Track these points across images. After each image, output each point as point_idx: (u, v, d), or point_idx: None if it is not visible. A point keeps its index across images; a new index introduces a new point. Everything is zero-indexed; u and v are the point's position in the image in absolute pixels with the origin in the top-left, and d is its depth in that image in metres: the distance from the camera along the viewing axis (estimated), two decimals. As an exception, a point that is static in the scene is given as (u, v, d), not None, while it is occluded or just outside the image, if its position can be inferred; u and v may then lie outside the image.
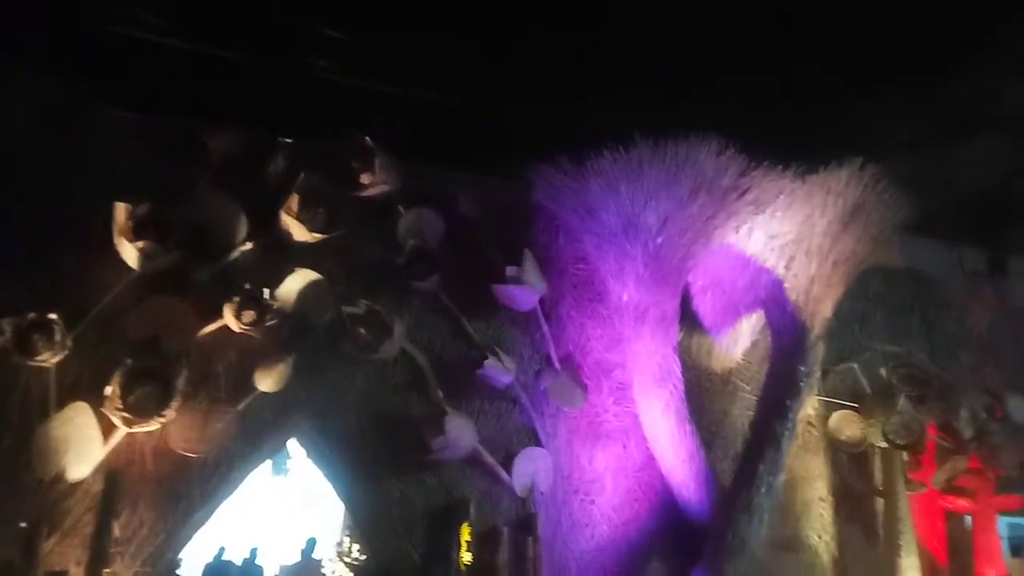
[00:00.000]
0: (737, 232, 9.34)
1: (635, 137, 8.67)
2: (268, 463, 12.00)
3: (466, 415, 8.78)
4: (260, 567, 10.16)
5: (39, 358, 7.39)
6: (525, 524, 8.78)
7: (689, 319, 10.05)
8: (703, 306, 10.13)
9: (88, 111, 8.55)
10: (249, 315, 8.05)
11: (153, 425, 7.68)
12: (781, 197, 9.09)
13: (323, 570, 11.26)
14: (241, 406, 8.15)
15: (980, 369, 12.03)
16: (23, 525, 7.18)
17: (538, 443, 9.21)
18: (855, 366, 11.01)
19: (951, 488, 11.03)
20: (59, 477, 7.37)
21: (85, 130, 8.45)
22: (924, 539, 10.92)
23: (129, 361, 7.59)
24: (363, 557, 11.58)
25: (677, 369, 9.34)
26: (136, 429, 7.63)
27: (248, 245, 8.45)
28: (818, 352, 9.57)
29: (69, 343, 7.52)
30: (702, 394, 10.16)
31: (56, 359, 7.49)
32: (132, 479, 7.78)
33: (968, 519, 11.19)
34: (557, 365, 9.55)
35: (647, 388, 9.37)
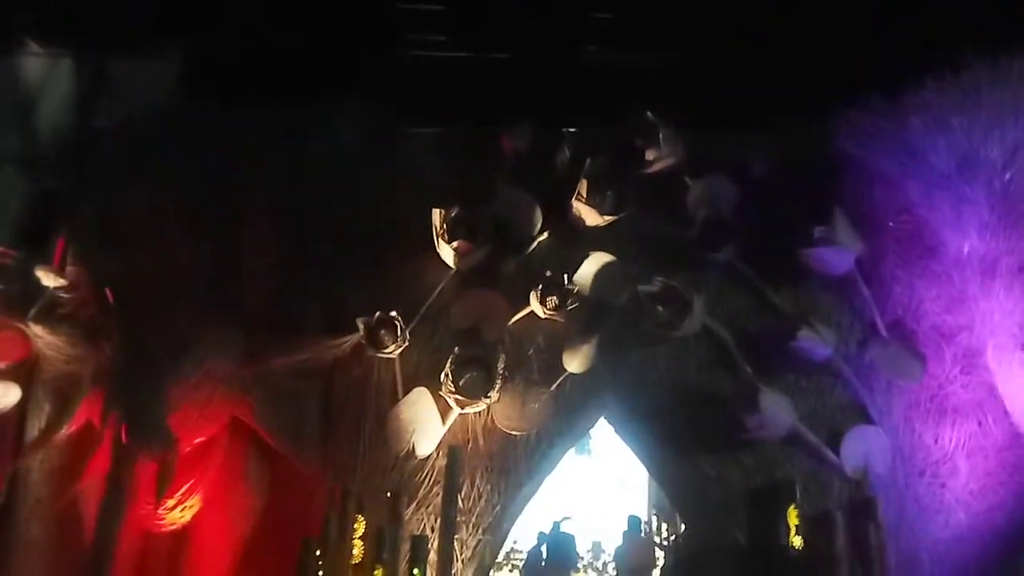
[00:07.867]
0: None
1: (967, 60, 7.31)
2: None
3: (781, 391, 8.19)
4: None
5: (386, 350, 8.51)
6: (862, 509, 7.95)
7: (1058, 267, 8.23)
8: (1077, 250, 8.23)
9: (397, 130, 9.61)
10: (552, 300, 8.43)
11: (481, 406, 8.42)
12: None
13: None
14: (553, 387, 8.55)
15: None
16: (388, 495, 8.32)
17: (869, 421, 8.29)
18: None
19: None
20: (410, 453, 8.43)
21: (396, 147, 9.50)
22: None
23: (456, 349, 8.42)
24: (672, 537, 11.52)
25: (1047, 328, 7.73)
26: (467, 410, 8.46)
27: (545, 235, 8.83)
28: None
29: (407, 336, 8.56)
30: (1084, 358, 8.27)
31: (399, 351, 8.57)
32: (468, 455, 8.61)
33: None
34: (884, 333, 8.47)
35: (1006, 353, 7.95)
